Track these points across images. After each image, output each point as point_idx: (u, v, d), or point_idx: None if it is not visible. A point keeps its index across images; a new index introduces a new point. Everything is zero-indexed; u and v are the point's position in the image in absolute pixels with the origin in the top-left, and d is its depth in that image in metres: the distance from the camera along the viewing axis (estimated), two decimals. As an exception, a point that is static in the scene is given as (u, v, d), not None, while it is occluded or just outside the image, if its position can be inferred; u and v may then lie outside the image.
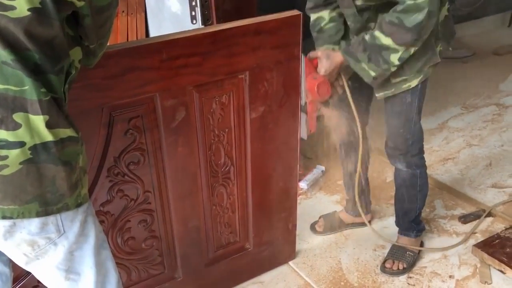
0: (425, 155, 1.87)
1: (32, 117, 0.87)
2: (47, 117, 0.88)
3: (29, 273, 1.36)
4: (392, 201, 2.04)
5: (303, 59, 1.60)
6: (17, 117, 0.86)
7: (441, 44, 1.67)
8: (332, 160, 2.66)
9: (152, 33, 2.39)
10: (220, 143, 1.59)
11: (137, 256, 1.61)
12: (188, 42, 1.38)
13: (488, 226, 2.15)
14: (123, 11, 2.37)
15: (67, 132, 0.91)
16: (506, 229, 2.03)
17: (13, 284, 1.38)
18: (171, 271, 1.72)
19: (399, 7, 1.46)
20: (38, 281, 1.26)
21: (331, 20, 1.71)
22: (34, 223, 0.92)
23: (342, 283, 1.90)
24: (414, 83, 1.65)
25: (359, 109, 1.83)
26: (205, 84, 1.46)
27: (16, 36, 0.85)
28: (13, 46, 0.85)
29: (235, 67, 1.49)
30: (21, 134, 0.86)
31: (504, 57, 3.86)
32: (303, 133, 1.67)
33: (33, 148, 0.87)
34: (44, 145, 0.88)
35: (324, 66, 1.63)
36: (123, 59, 1.30)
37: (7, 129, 0.86)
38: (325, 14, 1.71)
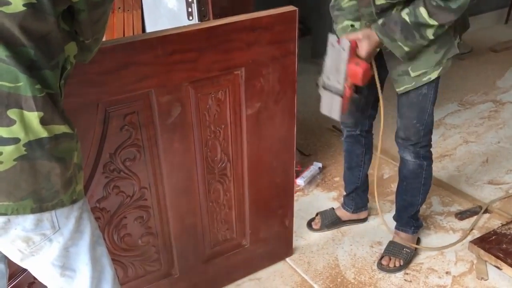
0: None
1: (27, 113, 0.86)
2: (41, 113, 0.87)
3: (25, 270, 1.36)
4: (389, 198, 2.04)
5: (347, 43, 1.52)
6: (12, 113, 0.85)
7: (458, 37, 1.67)
8: (330, 157, 2.66)
9: (149, 30, 2.38)
10: (216, 140, 1.59)
11: (134, 253, 1.61)
12: (183, 38, 1.37)
13: (485, 223, 2.15)
14: (119, 8, 2.36)
15: (61, 128, 0.91)
16: (503, 225, 2.04)
17: (9, 281, 1.38)
18: (167, 268, 1.71)
19: None
20: (34, 278, 1.26)
21: None
22: (29, 220, 0.92)
23: (339, 280, 1.90)
24: (434, 75, 1.66)
25: (370, 103, 1.87)
26: (200, 80, 1.46)
27: (12, 32, 0.84)
28: (8, 42, 0.85)
29: (231, 63, 1.48)
30: (16, 131, 0.86)
31: (501, 53, 3.87)
32: (336, 114, 1.62)
33: (28, 145, 0.87)
34: (39, 141, 0.88)
35: (365, 48, 1.57)
36: (118, 54, 1.30)
37: (1, 125, 0.85)
38: None
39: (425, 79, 1.66)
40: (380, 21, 1.57)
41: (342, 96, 1.59)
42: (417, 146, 1.81)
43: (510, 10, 4.42)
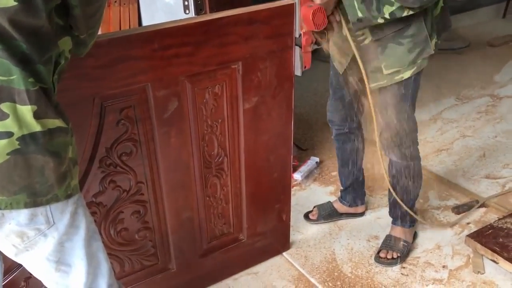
0: (419, 147, 1.88)
1: (20, 107, 0.86)
2: (35, 107, 0.87)
3: (21, 265, 1.36)
4: (386, 192, 2.04)
5: None
6: (5, 107, 0.85)
7: (436, 37, 1.66)
8: (327, 151, 2.66)
9: (145, 24, 2.37)
10: (213, 134, 1.58)
11: (130, 248, 1.60)
12: (179, 31, 1.36)
13: (481, 217, 2.16)
14: (115, 1, 2.35)
15: (55, 122, 0.90)
16: (499, 219, 2.04)
17: (4, 276, 1.38)
18: (164, 263, 1.71)
19: None
20: (31, 273, 1.26)
21: None
22: (22, 214, 0.91)
23: (336, 274, 1.90)
24: (407, 74, 1.65)
25: (354, 100, 1.83)
26: (197, 74, 1.45)
27: (3, 26, 0.84)
28: (0, 36, 0.84)
29: (228, 57, 1.47)
30: (9, 124, 0.85)
31: (498, 48, 3.87)
32: (297, 69, 1.58)
33: (21, 139, 0.86)
34: (32, 135, 0.87)
35: None
36: (114, 48, 1.29)
37: None
38: None
39: (398, 77, 1.65)
40: None
41: (300, 46, 1.53)
42: (401, 147, 1.80)
43: (508, 4, 4.42)
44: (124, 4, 2.37)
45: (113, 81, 1.33)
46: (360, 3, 1.50)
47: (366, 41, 1.64)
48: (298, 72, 1.57)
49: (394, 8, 1.49)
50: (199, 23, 1.39)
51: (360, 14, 1.51)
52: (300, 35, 1.52)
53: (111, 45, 1.28)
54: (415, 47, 1.60)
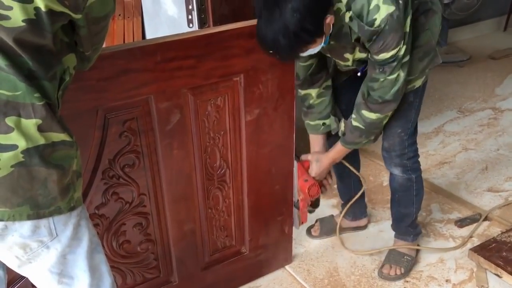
0: (421, 159, 1.87)
1: (24, 121, 0.87)
2: (39, 121, 0.87)
3: (24, 276, 1.35)
4: (388, 205, 2.04)
5: (295, 163, 1.78)
6: (9, 121, 0.86)
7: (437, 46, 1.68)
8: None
9: (149, 37, 2.39)
10: (216, 146, 1.59)
11: (132, 260, 1.60)
12: (182, 44, 1.37)
13: (485, 230, 2.15)
14: (119, 15, 2.37)
15: (60, 136, 0.91)
16: (503, 233, 2.03)
17: (8, 287, 1.37)
18: (166, 275, 1.71)
19: (375, 85, 1.55)
20: (34, 284, 1.25)
21: (319, 96, 1.79)
22: (25, 226, 0.92)
23: (338, 287, 1.89)
24: (418, 83, 1.67)
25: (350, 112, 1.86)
26: (200, 86, 1.46)
27: (7, 43, 0.85)
28: (6, 52, 0.85)
29: (230, 70, 1.48)
30: (14, 138, 0.86)
31: (499, 61, 3.88)
32: (295, 224, 1.91)
33: (26, 152, 0.86)
34: (36, 148, 0.88)
35: (314, 170, 1.80)
36: (117, 61, 1.30)
37: None
38: (313, 92, 1.78)
39: (410, 86, 1.66)
40: (341, 132, 1.75)
41: (298, 208, 1.84)
42: (403, 158, 1.80)
43: (509, 17, 4.45)
44: (128, 17, 2.39)
45: (116, 93, 1.34)
46: (367, 138, 1.70)
47: None
48: (296, 227, 1.91)
49: (388, 117, 1.65)
50: (201, 36, 1.40)
51: (372, 137, 1.71)
52: (297, 200, 1.83)
53: (114, 57, 1.29)
54: (425, 56, 1.62)
